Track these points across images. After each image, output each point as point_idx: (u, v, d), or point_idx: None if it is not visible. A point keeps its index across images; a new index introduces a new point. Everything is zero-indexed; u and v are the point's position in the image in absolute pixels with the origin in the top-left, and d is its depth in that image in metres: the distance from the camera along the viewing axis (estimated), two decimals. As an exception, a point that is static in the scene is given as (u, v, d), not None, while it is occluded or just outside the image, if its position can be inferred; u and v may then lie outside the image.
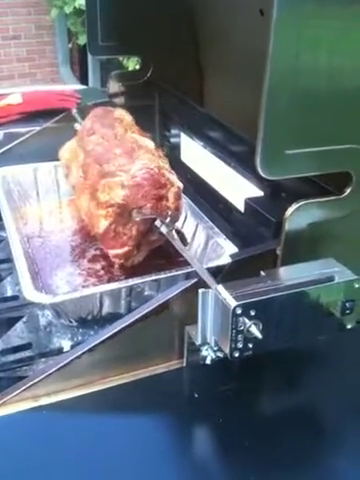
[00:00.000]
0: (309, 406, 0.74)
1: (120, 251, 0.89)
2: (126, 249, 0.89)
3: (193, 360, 0.75)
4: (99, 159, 0.95)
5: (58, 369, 0.70)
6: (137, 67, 2.77)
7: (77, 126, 1.17)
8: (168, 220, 0.85)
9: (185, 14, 1.32)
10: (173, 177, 0.90)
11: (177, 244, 0.82)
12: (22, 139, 1.29)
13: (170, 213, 0.87)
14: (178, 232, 0.89)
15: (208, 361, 0.73)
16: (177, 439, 0.70)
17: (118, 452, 0.66)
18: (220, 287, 0.65)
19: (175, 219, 0.89)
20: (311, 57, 0.65)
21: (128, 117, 1.10)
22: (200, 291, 0.66)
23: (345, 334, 0.72)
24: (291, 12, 0.62)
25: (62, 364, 0.70)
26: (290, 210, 0.73)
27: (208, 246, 1.00)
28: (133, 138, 0.99)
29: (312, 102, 0.67)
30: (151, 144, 1.00)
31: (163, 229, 0.84)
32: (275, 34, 0.61)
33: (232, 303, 0.62)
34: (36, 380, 0.70)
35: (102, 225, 0.89)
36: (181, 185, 0.91)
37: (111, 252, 0.91)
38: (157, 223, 0.85)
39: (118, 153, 0.94)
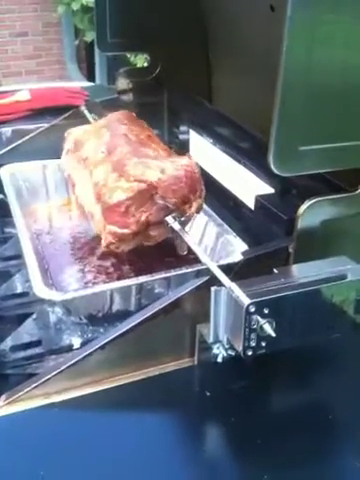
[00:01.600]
0: (322, 404, 0.74)
1: (119, 230, 0.86)
2: (125, 231, 0.86)
3: (204, 358, 0.75)
4: (133, 143, 0.95)
5: (69, 367, 0.70)
6: (145, 64, 2.77)
7: (93, 119, 1.17)
8: (182, 219, 0.85)
9: (194, 11, 1.31)
10: (204, 190, 0.91)
11: (190, 241, 0.81)
12: (30, 136, 1.28)
13: (187, 214, 0.86)
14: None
15: (219, 359, 0.73)
16: (188, 437, 0.69)
17: (129, 450, 0.66)
18: (233, 285, 0.65)
19: (185, 223, 0.89)
20: (325, 54, 0.65)
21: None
22: (213, 289, 0.66)
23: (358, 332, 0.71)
24: (305, 9, 0.61)
25: (73, 362, 0.70)
26: (303, 207, 0.72)
27: (218, 243, 0.99)
28: (165, 145, 1.01)
29: (326, 98, 0.66)
30: None
31: (175, 226, 0.83)
32: (289, 31, 0.61)
33: (246, 301, 0.62)
34: (47, 377, 0.69)
35: (118, 195, 0.86)
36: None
37: (109, 227, 0.87)
38: (169, 219, 0.84)
39: (154, 147, 0.94)
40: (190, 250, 0.84)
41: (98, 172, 0.93)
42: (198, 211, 0.91)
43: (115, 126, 1.03)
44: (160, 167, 0.87)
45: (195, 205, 0.88)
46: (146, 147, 0.94)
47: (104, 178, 0.91)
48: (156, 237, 0.90)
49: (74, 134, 1.08)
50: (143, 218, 0.85)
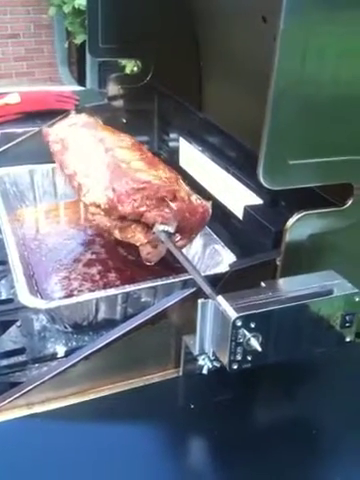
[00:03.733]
0: (306, 418, 0.73)
1: (115, 201, 0.84)
2: (118, 206, 0.83)
3: (189, 369, 0.74)
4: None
5: (53, 377, 0.69)
6: (135, 69, 2.77)
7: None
8: (170, 233, 0.84)
9: (187, 18, 1.31)
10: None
11: (176, 253, 0.80)
12: (19, 140, 1.27)
13: (177, 237, 0.86)
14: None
15: (205, 371, 0.72)
16: (171, 450, 0.69)
17: (111, 461, 0.65)
18: (220, 298, 0.64)
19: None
20: (317, 67, 0.64)
21: None
22: (200, 301, 0.66)
23: (344, 346, 0.71)
24: (298, 22, 0.61)
25: (57, 372, 0.69)
26: (291, 221, 0.72)
27: (205, 253, 0.99)
28: None
29: (317, 112, 0.66)
30: None
31: (162, 236, 0.82)
32: (281, 44, 0.61)
33: (232, 315, 0.62)
34: (30, 387, 0.68)
35: (141, 175, 0.86)
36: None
37: (108, 192, 0.84)
38: (160, 226, 0.83)
39: None
40: (177, 259, 0.83)
41: (122, 153, 0.92)
42: (185, 244, 0.91)
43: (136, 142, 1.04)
44: (189, 192, 0.88)
45: (183, 241, 0.88)
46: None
47: (129, 159, 0.89)
48: (129, 236, 0.88)
49: (86, 117, 1.07)
50: (141, 209, 0.83)
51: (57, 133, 1.06)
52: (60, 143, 1.03)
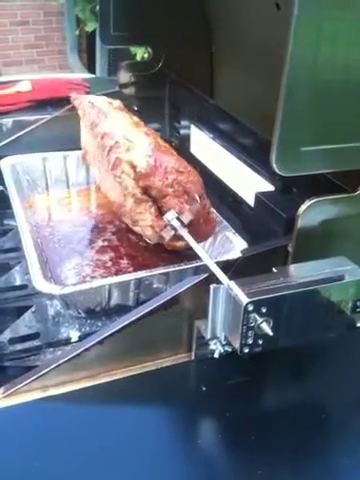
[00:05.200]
0: (317, 401, 0.74)
1: (149, 171, 0.84)
2: (151, 176, 0.84)
3: (201, 354, 0.75)
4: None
5: (67, 360, 0.70)
6: (145, 56, 2.76)
7: None
8: (183, 221, 0.85)
9: (198, 5, 1.31)
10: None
11: (188, 239, 0.81)
12: (31, 128, 1.28)
13: (184, 223, 0.86)
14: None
15: (216, 355, 0.74)
16: (184, 432, 0.70)
17: (125, 444, 0.66)
18: (232, 283, 0.65)
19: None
20: (330, 53, 0.64)
21: None
22: (212, 287, 0.66)
23: (354, 331, 0.72)
24: (311, 7, 0.61)
25: (71, 355, 0.70)
26: (303, 207, 0.72)
27: (217, 240, 0.99)
28: None
29: (330, 99, 0.66)
30: None
31: (174, 223, 0.83)
32: (295, 30, 0.60)
33: (244, 300, 0.62)
34: (45, 371, 0.70)
35: (181, 161, 0.87)
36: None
37: (150, 160, 0.85)
38: (173, 213, 0.84)
39: None
40: (189, 246, 0.84)
41: (162, 141, 0.92)
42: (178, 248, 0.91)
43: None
44: (209, 204, 0.90)
45: (182, 242, 0.88)
46: None
47: (168, 147, 0.90)
48: (139, 211, 0.88)
49: (121, 103, 1.08)
50: (169, 190, 0.84)
51: (91, 101, 1.05)
52: (95, 108, 1.02)
